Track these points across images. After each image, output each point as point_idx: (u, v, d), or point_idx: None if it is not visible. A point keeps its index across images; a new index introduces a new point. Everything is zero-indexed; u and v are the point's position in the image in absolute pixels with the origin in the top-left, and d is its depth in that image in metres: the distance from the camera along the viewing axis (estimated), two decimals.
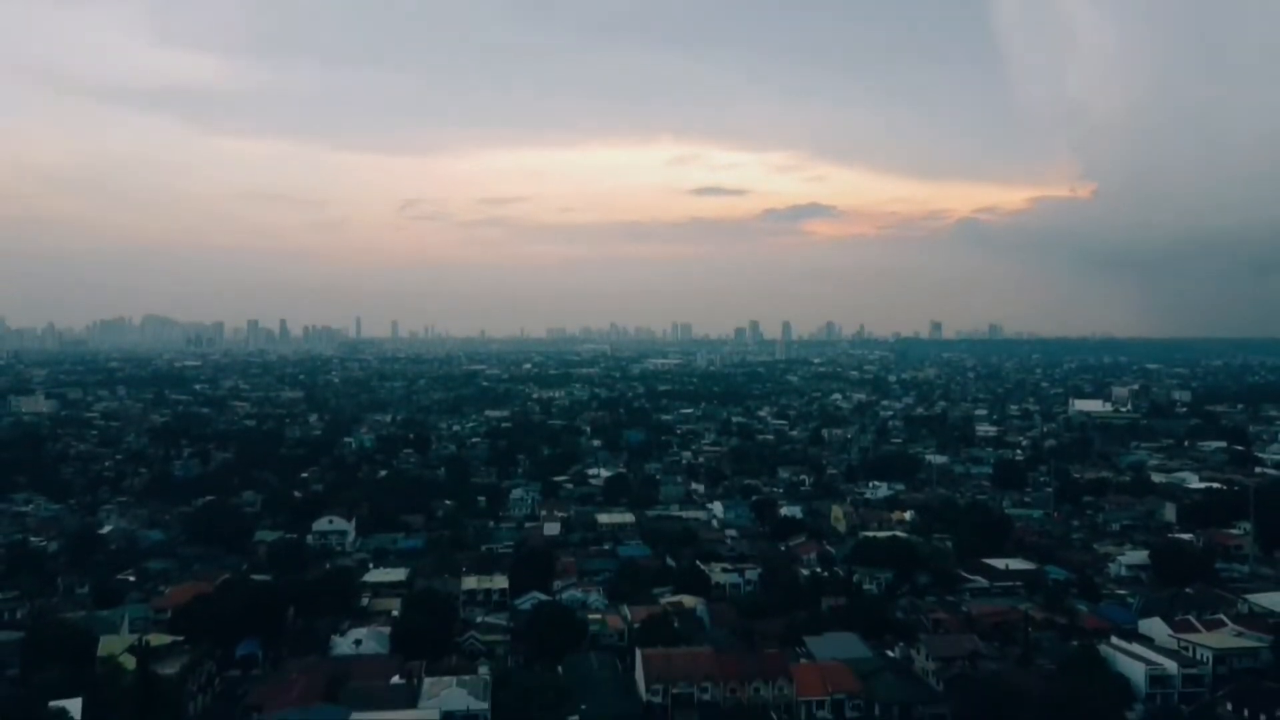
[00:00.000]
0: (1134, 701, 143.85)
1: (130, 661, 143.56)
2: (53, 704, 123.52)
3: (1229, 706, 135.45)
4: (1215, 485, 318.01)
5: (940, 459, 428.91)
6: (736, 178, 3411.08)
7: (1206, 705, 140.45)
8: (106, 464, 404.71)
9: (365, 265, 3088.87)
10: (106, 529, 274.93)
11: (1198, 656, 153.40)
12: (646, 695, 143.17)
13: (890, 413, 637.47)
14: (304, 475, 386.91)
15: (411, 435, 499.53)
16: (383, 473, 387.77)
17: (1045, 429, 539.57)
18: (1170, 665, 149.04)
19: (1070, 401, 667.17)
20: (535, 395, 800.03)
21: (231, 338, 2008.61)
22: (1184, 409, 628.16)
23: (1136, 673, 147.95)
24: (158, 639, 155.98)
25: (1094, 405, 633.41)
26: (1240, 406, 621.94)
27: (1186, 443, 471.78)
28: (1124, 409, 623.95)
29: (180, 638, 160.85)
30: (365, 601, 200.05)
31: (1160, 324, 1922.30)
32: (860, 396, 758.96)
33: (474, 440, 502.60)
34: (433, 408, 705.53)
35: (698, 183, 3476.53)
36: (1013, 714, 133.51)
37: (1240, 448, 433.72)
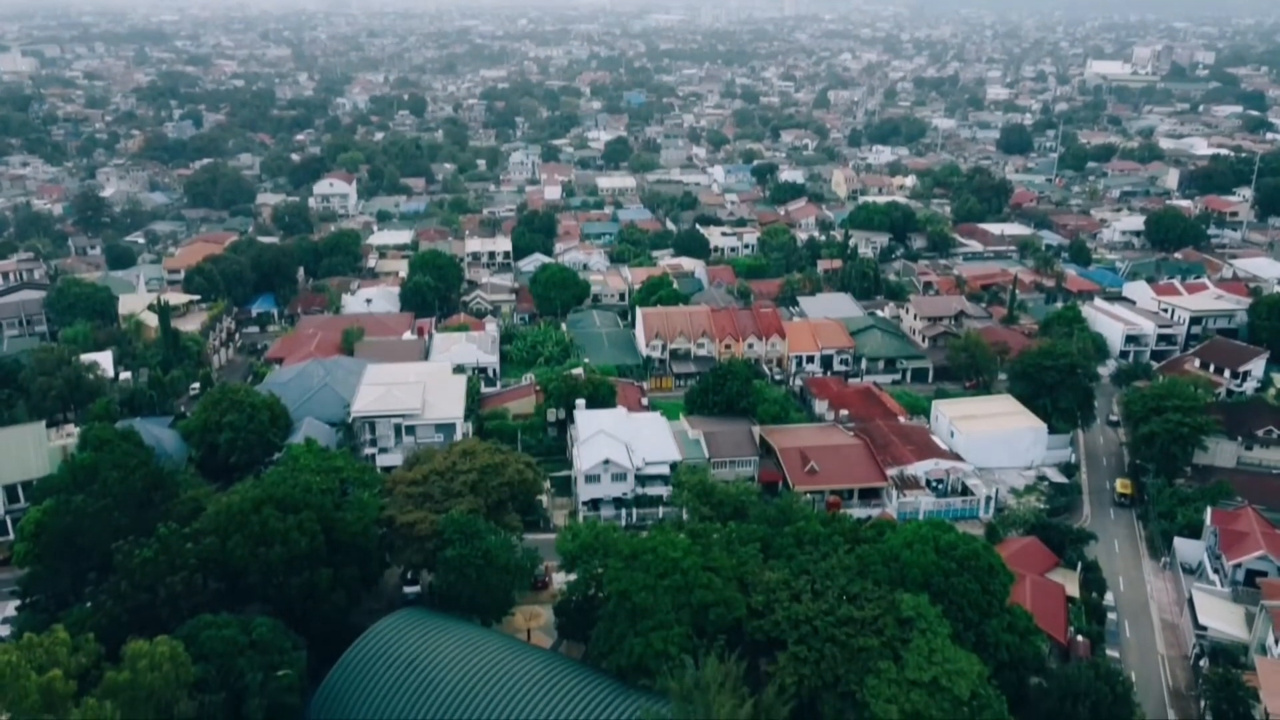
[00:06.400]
0: (1108, 357, 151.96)
1: (151, 318, 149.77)
2: (84, 357, 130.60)
3: (1196, 362, 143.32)
4: (1223, 152, 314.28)
5: (947, 123, 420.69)
6: None
7: (1175, 361, 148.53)
8: (97, 125, 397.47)
9: None
10: (108, 191, 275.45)
11: (1175, 317, 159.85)
12: (646, 350, 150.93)
13: (900, 74, 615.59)
14: (299, 137, 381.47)
15: (406, 96, 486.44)
16: (379, 135, 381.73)
17: (1058, 92, 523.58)
18: (1147, 325, 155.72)
19: (1088, 63, 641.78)
20: (531, 54, 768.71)
21: None
22: (1205, 71, 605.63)
23: (1114, 331, 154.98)
24: (175, 298, 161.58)
25: (1112, 67, 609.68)
26: (1264, 69, 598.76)
27: (1201, 107, 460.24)
28: (1143, 71, 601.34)
29: (196, 296, 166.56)
30: (372, 263, 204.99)
31: None
32: (870, 57, 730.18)
33: (470, 102, 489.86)
34: (426, 67, 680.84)
35: None
36: (987, 365, 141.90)
37: (1256, 113, 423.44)
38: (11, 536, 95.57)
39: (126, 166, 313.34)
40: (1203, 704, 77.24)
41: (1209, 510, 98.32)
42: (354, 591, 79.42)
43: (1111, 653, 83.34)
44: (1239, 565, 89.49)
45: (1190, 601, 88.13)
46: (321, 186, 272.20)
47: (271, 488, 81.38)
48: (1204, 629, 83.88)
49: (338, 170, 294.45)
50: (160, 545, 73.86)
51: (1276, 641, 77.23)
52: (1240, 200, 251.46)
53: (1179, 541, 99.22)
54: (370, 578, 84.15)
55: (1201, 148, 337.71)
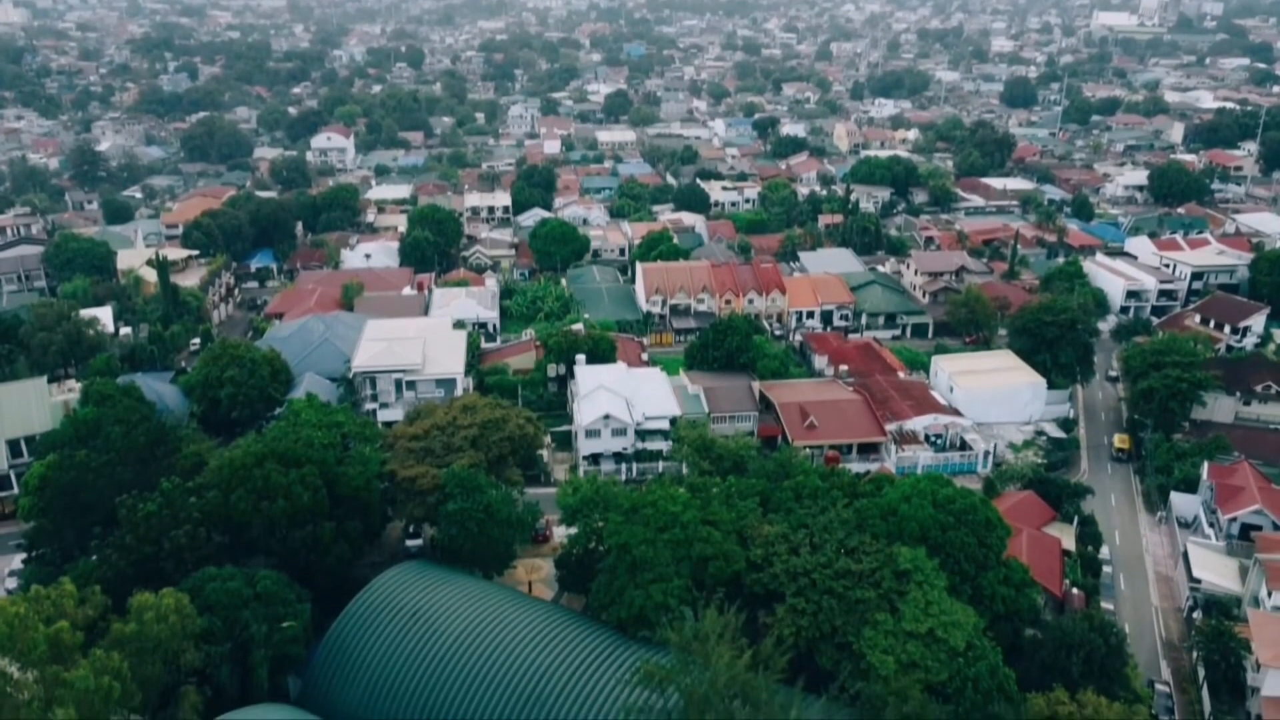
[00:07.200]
0: (1108, 313, 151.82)
1: (150, 274, 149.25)
2: (84, 312, 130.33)
3: (1197, 318, 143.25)
4: (1228, 105, 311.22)
5: (951, 76, 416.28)
6: None
7: (1175, 316, 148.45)
8: (92, 78, 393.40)
9: None
10: (104, 145, 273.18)
11: (1176, 273, 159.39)
12: (646, 305, 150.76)
13: (904, 25, 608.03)
14: (296, 90, 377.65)
15: (403, 48, 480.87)
16: (377, 88, 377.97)
17: (1064, 44, 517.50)
18: (1148, 280, 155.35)
19: (1094, 13, 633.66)
20: (530, 5, 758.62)
21: None
22: (1213, 22, 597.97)
23: (1115, 286, 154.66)
24: (173, 253, 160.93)
25: (1119, 18, 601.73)
26: (1273, 21, 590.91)
27: (1208, 60, 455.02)
28: (1150, 22, 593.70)
29: (194, 251, 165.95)
30: (371, 217, 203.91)
31: None
32: (873, 7, 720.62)
33: (468, 54, 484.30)
34: (423, 18, 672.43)
35: None
36: (987, 320, 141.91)
37: (1263, 66, 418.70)
38: (16, 491, 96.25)
39: (122, 120, 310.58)
40: (1195, 655, 78.29)
41: (1206, 465, 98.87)
42: (357, 545, 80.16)
43: (1106, 605, 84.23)
44: (1234, 519, 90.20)
45: (1185, 555, 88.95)
46: (319, 140, 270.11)
47: (273, 442, 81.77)
48: (1198, 582, 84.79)
49: (335, 124, 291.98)
50: (164, 499, 74.40)
51: (1269, 594, 78.08)
52: (1245, 155, 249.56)
53: (1175, 496, 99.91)
54: (373, 531, 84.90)
55: (1207, 101, 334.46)
